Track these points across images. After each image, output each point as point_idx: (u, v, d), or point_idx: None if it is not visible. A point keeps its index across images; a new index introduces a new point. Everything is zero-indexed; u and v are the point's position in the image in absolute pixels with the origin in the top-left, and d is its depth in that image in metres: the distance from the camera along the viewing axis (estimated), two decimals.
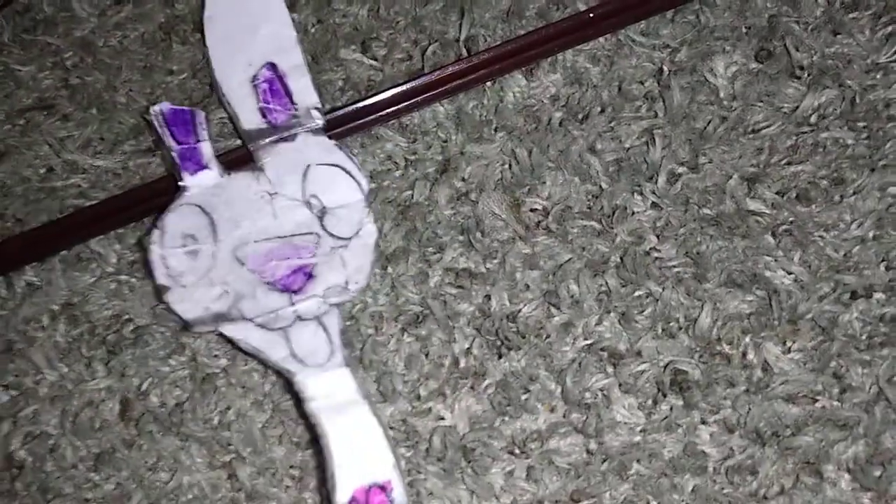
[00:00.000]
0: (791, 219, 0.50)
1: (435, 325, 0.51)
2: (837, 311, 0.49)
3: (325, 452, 0.48)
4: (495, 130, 0.53)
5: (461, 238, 0.52)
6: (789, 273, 0.49)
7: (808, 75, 0.52)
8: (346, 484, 0.47)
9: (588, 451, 0.49)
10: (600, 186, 0.52)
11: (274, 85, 0.53)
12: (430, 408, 0.51)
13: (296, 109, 0.52)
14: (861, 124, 0.51)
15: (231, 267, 0.51)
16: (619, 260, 0.51)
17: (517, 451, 0.50)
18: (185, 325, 0.51)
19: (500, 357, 0.51)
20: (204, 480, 0.51)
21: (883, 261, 0.49)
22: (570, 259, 0.51)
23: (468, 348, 0.51)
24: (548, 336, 0.51)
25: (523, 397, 0.50)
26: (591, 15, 0.53)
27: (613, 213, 0.51)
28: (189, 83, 0.56)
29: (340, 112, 0.54)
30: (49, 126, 0.56)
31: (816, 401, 0.48)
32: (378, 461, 0.47)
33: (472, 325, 0.51)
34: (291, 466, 0.51)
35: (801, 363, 0.49)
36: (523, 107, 0.54)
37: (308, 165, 0.52)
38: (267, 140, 0.52)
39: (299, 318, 0.50)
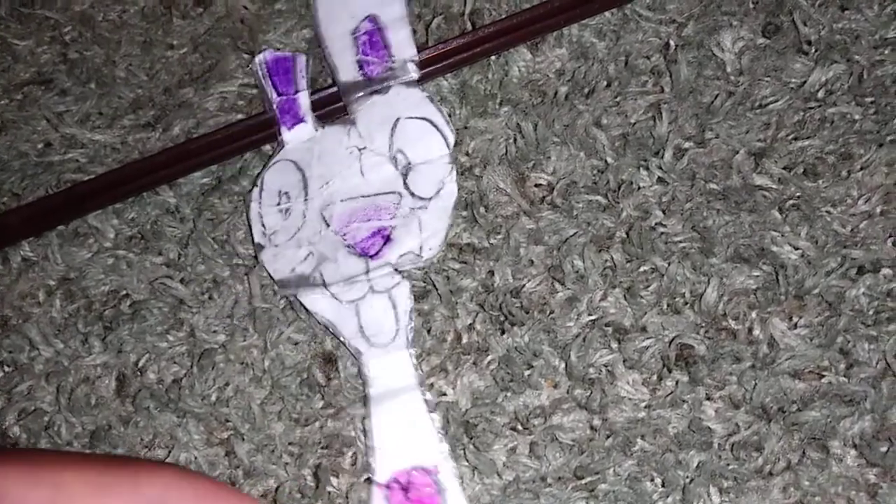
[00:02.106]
0: (798, 194, 0.51)
1: (438, 300, 0.52)
2: (844, 287, 0.50)
3: (368, 433, 0.50)
4: (500, 104, 0.54)
5: (465, 213, 0.53)
6: (796, 248, 0.50)
7: (816, 50, 0.53)
8: (386, 465, 0.49)
9: (592, 427, 0.50)
10: (606, 161, 0.53)
11: (374, 37, 0.54)
12: (432, 383, 0.52)
13: (392, 62, 0.54)
14: (869, 99, 0.52)
15: (318, 227, 0.53)
16: (624, 235, 0.52)
17: (520, 427, 0.51)
18: (277, 285, 0.53)
19: (503, 332, 0.52)
20: (201, 457, 0.52)
21: (890, 236, 0.50)
22: (574, 234, 0.52)
23: (471, 324, 0.52)
24: (552, 311, 0.51)
25: (526, 373, 0.51)
26: None
27: (619, 188, 0.52)
28: (189, 57, 0.57)
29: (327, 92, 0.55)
30: (47, 100, 0.57)
31: (823, 376, 0.49)
32: (425, 447, 0.49)
33: (475, 300, 0.52)
34: (290, 443, 0.52)
35: (807, 339, 0.49)
36: (528, 81, 0.55)
37: (397, 119, 0.54)
38: (361, 93, 0.54)
39: (372, 289, 0.52)
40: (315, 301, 0.52)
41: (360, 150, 0.54)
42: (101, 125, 0.57)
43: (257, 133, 0.55)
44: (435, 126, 0.53)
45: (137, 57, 0.58)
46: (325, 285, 0.52)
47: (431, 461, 0.49)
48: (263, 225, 0.53)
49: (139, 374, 0.53)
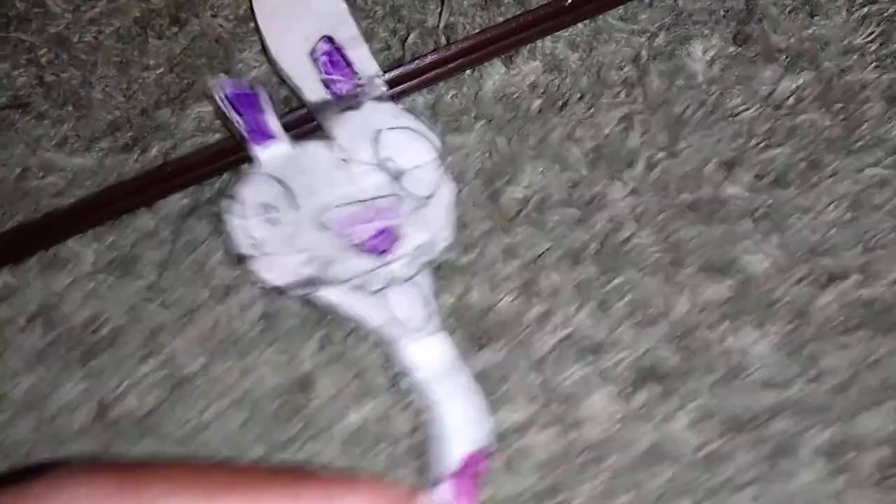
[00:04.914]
0: (769, 202, 0.55)
1: None
2: (814, 295, 0.54)
3: (437, 420, 0.52)
4: (474, 119, 0.59)
5: None
6: (767, 257, 0.55)
7: (786, 58, 0.57)
8: (457, 450, 0.51)
9: (567, 442, 0.55)
10: (580, 174, 0.58)
11: (333, 56, 0.58)
12: (410, 402, 0.57)
13: (359, 79, 0.58)
14: (837, 106, 0.56)
15: (315, 234, 0.56)
16: (597, 248, 0.56)
17: (496, 443, 0.56)
18: (278, 291, 0.56)
19: (479, 349, 0.57)
20: None
21: (859, 243, 0.54)
22: (549, 248, 0.57)
23: None
24: (527, 327, 0.56)
25: (502, 389, 0.56)
26: (569, 1, 0.59)
27: (592, 201, 0.57)
28: (166, 77, 0.62)
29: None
30: (24, 125, 0.61)
31: (792, 385, 0.54)
32: (479, 425, 0.52)
33: (452, 317, 0.57)
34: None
35: (777, 347, 0.54)
36: (502, 95, 0.59)
37: (378, 130, 0.57)
38: (333, 110, 0.57)
39: (393, 279, 0.55)
40: (338, 294, 0.56)
41: (344, 161, 0.57)
42: (78, 148, 0.61)
43: (234, 153, 0.59)
44: (418, 133, 0.57)
45: (114, 78, 0.62)
46: (338, 283, 0.55)
47: (485, 439, 0.52)
48: (249, 236, 0.56)
49: (119, 399, 0.58)
